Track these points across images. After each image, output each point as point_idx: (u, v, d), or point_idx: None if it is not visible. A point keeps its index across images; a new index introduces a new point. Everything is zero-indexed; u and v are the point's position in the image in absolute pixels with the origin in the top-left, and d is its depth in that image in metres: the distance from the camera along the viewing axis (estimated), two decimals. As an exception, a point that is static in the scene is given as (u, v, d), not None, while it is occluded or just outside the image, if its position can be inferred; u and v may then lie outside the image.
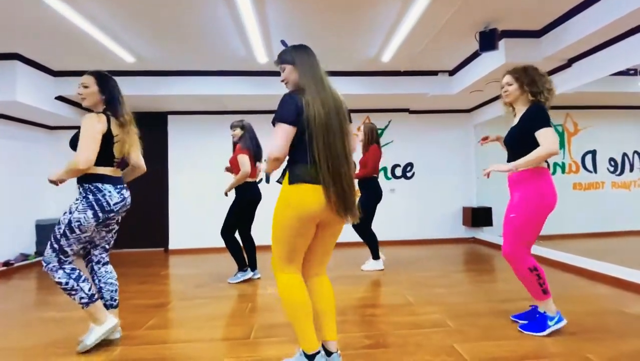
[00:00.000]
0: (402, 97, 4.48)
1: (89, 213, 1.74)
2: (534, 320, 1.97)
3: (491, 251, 4.44)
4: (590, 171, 4.26)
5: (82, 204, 1.75)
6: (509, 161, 1.97)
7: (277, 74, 3.94)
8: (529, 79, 1.90)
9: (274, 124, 1.42)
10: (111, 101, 1.83)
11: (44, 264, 1.76)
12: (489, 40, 3.03)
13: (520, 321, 2.05)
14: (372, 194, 3.42)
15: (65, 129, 4.76)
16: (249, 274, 3.23)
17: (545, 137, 1.78)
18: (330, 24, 3.08)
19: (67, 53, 3.50)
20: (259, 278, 3.28)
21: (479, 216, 4.92)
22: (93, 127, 1.72)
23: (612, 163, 4.21)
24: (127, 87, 3.91)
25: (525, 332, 1.93)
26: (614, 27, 2.66)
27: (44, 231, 4.53)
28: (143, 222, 4.83)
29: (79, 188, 1.80)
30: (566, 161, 4.32)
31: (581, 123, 4.30)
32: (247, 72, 4.08)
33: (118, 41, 3.25)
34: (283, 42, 1.60)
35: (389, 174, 5.16)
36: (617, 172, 4.19)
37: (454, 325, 2.10)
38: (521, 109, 1.95)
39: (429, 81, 4.30)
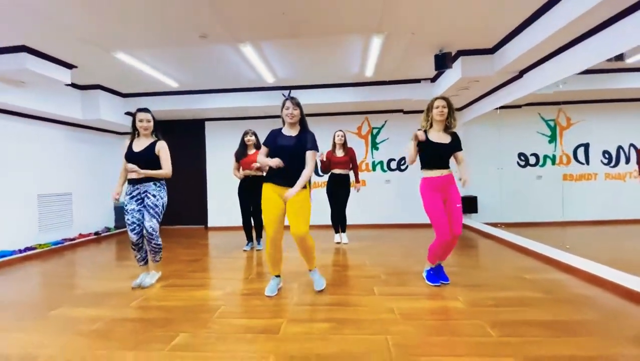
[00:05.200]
0: (393, 101, 5.22)
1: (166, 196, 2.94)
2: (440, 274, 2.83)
3: (473, 235, 5.07)
4: (583, 163, 4.63)
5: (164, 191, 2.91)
6: (439, 166, 2.83)
7: (281, 89, 4.95)
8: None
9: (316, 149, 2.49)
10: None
11: (155, 232, 2.78)
12: (442, 61, 3.71)
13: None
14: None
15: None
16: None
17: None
18: (311, 53, 3.92)
19: (132, 82, 4.81)
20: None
21: (465, 204, 5.52)
22: None
23: (606, 156, 4.52)
24: (174, 103, 5.22)
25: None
26: (557, 38, 2.89)
27: (119, 210, 6.09)
28: (187, 205, 6.20)
29: (155, 183, 2.90)
30: (557, 154, 4.73)
31: (574, 117, 4.65)
32: (259, 88, 5.14)
33: (165, 74, 4.47)
34: (284, 94, 2.56)
35: (385, 167, 5.95)
36: (612, 164, 4.50)
37: (384, 277, 3.02)
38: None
39: (413, 88, 5.00)
